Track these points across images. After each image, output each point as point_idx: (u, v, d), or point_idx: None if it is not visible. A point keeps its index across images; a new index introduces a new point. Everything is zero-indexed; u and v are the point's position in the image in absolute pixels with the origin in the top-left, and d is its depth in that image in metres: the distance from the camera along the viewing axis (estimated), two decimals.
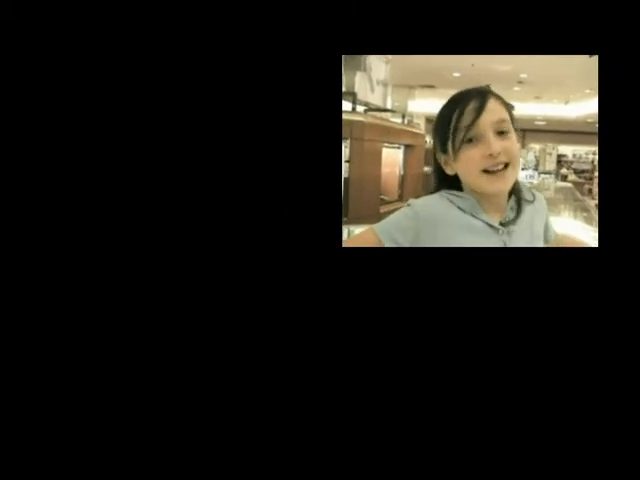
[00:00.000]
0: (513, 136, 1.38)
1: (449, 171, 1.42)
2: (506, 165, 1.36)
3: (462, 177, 1.41)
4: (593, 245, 1.97)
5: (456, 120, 1.35)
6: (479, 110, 1.34)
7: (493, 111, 1.35)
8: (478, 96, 1.36)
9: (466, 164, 1.37)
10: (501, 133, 1.35)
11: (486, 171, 1.35)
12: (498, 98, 1.39)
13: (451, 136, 1.36)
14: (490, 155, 1.34)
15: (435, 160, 1.45)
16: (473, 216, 1.38)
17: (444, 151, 1.40)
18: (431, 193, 1.46)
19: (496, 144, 1.34)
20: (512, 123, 1.38)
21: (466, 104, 1.35)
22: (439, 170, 1.44)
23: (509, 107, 1.40)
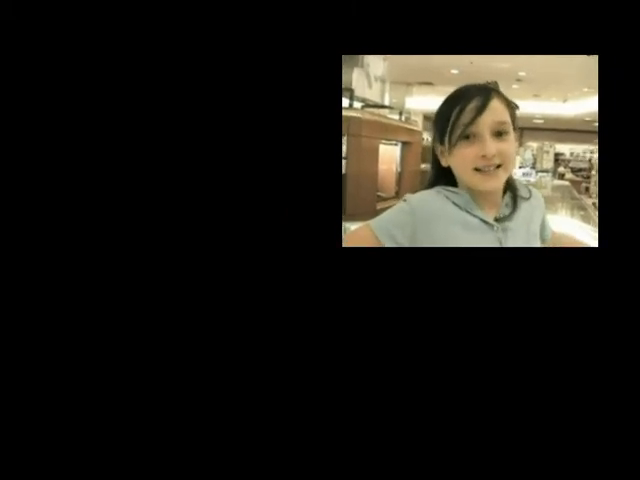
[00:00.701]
0: (511, 137, 1.36)
1: (443, 163, 1.41)
2: (498, 165, 1.35)
3: (455, 172, 1.41)
4: (590, 243, 1.98)
5: (456, 116, 1.34)
6: (480, 109, 1.33)
7: (494, 112, 1.34)
8: (482, 94, 1.35)
9: (459, 160, 1.36)
10: (499, 134, 1.34)
11: (478, 169, 1.35)
12: (502, 98, 1.37)
13: (449, 131, 1.35)
14: (484, 156, 1.33)
15: (433, 151, 1.44)
16: (468, 212, 1.37)
17: (441, 142, 1.39)
18: (426, 188, 1.45)
19: (492, 146, 1.33)
20: (513, 123, 1.37)
21: (468, 101, 1.34)
22: (436, 162, 1.44)
23: (512, 107, 1.39)
